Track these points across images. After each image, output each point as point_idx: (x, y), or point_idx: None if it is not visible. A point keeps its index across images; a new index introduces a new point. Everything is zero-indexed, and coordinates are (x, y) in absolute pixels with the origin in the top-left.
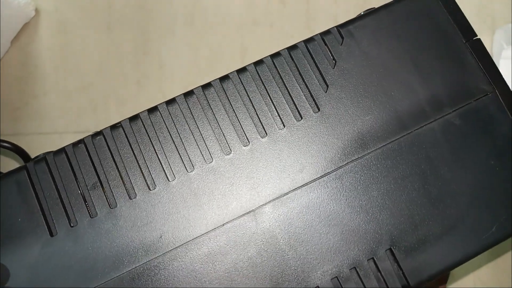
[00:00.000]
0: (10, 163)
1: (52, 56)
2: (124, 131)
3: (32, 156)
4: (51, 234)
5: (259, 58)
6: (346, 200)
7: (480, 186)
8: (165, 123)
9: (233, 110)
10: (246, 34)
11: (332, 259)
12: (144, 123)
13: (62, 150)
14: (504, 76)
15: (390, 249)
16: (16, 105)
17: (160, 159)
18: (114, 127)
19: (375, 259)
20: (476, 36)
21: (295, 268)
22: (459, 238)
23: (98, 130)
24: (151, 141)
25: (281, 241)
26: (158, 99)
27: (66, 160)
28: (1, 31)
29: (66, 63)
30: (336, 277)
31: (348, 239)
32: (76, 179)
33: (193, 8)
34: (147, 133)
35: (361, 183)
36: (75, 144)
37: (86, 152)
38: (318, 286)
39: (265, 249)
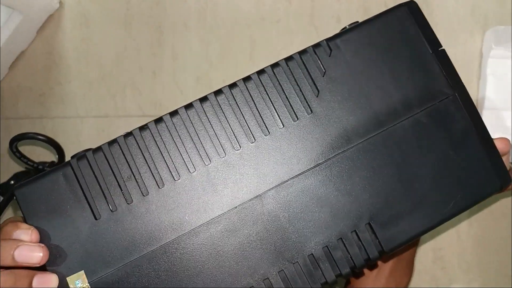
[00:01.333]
0: (47, 154)
1: (75, 47)
2: (151, 132)
3: (67, 151)
4: (96, 218)
5: (266, 52)
6: (334, 185)
7: (441, 171)
8: (184, 125)
9: (241, 112)
10: (254, 30)
11: (323, 232)
12: (167, 124)
13: (100, 148)
14: (491, 74)
15: (369, 223)
16: (42, 91)
17: (182, 155)
18: (142, 128)
19: (357, 231)
20: (441, 47)
21: (294, 240)
22: (424, 213)
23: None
24: (173, 139)
25: (282, 219)
26: (172, 89)
27: (103, 157)
28: (28, 22)
29: (87, 54)
30: (327, 246)
31: (336, 216)
32: (113, 172)
33: (205, 5)
34: (170, 133)
35: (346, 172)
36: (110, 143)
37: (120, 150)
38: (312, 254)
39: (270, 225)
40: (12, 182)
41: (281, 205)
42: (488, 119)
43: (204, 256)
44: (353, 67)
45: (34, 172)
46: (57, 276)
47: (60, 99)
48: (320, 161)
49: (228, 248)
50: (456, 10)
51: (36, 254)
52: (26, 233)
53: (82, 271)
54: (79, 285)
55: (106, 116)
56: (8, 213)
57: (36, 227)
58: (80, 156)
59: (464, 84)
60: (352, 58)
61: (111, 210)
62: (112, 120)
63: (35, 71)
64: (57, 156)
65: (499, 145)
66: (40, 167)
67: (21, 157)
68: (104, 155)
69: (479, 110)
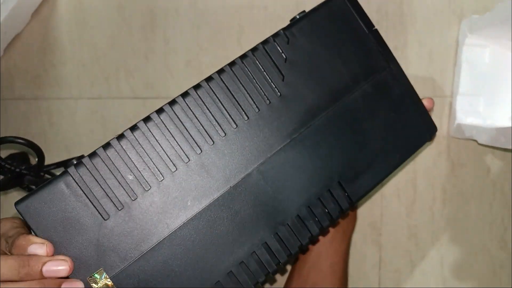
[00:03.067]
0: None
1: (69, 29)
2: (142, 131)
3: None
4: (104, 218)
5: (254, 37)
6: (307, 154)
7: (387, 131)
8: (172, 120)
9: (221, 102)
10: (243, 15)
11: (305, 195)
12: (155, 122)
13: (95, 153)
14: (465, 61)
15: (339, 181)
16: (37, 72)
17: (175, 148)
18: (133, 128)
19: (330, 190)
20: (374, 27)
21: (282, 206)
22: (378, 166)
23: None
24: (164, 135)
25: (270, 191)
26: (163, 72)
27: (101, 161)
28: (23, 5)
29: (81, 37)
30: (309, 206)
31: (313, 180)
32: (112, 173)
33: None
34: (160, 130)
35: (315, 142)
36: (105, 147)
37: (116, 152)
38: (298, 214)
39: (260, 197)
40: (8, 163)
41: (267, 179)
42: (461, 103)
43: (211, 234)
44: (308, 51)
45: (14, 176)
46: (81, 281)
47: (54, 81)
48: (294, 136)
49: (229, 224)
50: (433, 2)
51: (63, 268)
52: (41, 248)
53: (101, 268)
54: (101, 282)
55: (100, 98)
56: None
57: (48, 238)
58: (78, 163)
59: (439, 71)
60: (307, 44)
61: (117, 209)
62: (106, 101)
63: (30, 53)
64: (36, 159)
65: (426, 104)
66: (24, 171)
67: (0, 161)
68: (101, 159)
69: (454, 96)
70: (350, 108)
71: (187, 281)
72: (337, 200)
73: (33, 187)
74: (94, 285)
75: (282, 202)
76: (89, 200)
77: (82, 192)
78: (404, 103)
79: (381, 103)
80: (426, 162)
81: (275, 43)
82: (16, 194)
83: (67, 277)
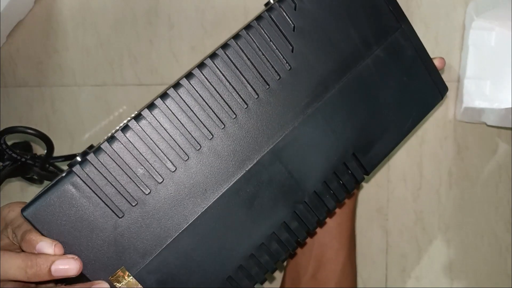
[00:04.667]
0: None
1: (72, 15)
2: (147, 120)
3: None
4: (119, 216)
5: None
6: (321, 129)
7: (399, 96)
8: (178, 105)
9: (229, 82)
10: (248, 0)
11: (320, 170)
12: (161, 108)
13: (100, 148)
14: (472, 44)
15: (353, 153)
16: (40, 59)
17: (185, 135)
18: (137, 117)
19: (345, 162)
20: None
21: (299, 184)
22: (390, 133)
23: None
24: (172, 122)
25: (284, 170)
26: (168, 57)
27: (107, 156)
28: None
29: (85, 22)
30: (325, 181)
31: (328, 154)
32: (121, 168)
33: None
34: (167, 117)
35: (328, 115)
36: (109, 141)
37: (122, 145)
38: (315, 191)
39: (277, 178)
40: (15, 152)
41: (282, 159)
42: (468, 87)
43: (230, 220)
44: (317, 18)
45: (19, 165)
46: (105, 282)
47: (58, 67)
48: (307, 111)
49: (247, 208)
50: None
51: (72, 267)
52: (50, 247)
53: (123, 267)
54: (124, 281)
55: (104, 84)
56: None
57: (62, 243)
58: (83, 160)
59: (445, 54)
60: (315, 9)
61: (131, 205)
62: (109, 88)
63: (33, 39)
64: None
65: (437, 64)
66: (30, 161)
67: (7, 149)
68: (107, 154)
69: (460, 79)
70: (362, 76)
71: (209, 268)
72: (352, 172)
73: (36, 177)
74: (117, 284)
75: (298, 181)
76: (100, 199)
77: (91, 191)
78: (416, 65)
79: (393, 67)
80: (433, 146)
81: (282, 10)
82: (15, 185)
83: (78, 279)
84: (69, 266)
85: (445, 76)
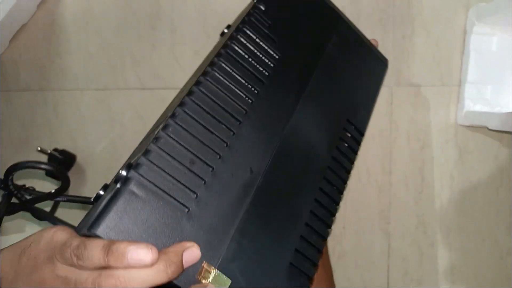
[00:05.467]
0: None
1: (75, 19)
2: (182, 117)
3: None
4: (188, 210)
5: None
6: (318, 105)
7: (359, 69)
8: (207, 96)
9: (233, 83)
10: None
11: (329, 139)
12: (190, 104)
13: (148, 150)
14: (473, 49)
15: (347, 119)
16: (43, 63)
17: (220, 124)
18: (173, 116)
19: (345, 128)
20: None
21: (319, 154)
22: (365, 99)
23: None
24: (203, 116)
25: (303, 146)
26: (170, 62)
27: (158, 156)
28: None
29: (87, 27)
30: (336, 146)
31: (330, 124)
32: (174, 165)
33: None
34: (201, 107)
35: (318, 93)
36: (155, 141)
37: (168, 143)
38: (331, 156)
39: (297, 153)
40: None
41: (298, 137)
42: (469, 91)
43: (278, 191)
44: (283, 15)
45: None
46: (198, 248)
47: (60, 71)
48: (302, 94)
49: (290, 181)
50: None
51: (196, 253)
52: (147, 254)
53: (204, 261)
54: (210, 276)
55: (106, 88)
56: None
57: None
58: (136, 165)
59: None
60: (278, 10)
61: (195, 198)
62: (112, 92)
63: (35, 44)
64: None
65: (373, 43)
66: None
67: (15, 191)
68: (157, 153)
69: (462, 84)
70: (330, 59)
71: (279, 237)
72: (351, 134)
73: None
74: (204, 280)
75: (318, 151)
76: (168, 194)
77: (157, 188)
78: (362, 45)
79: (347, 49)
80: (434, 150)
81: (258, 13)
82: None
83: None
84: (194, 253)
85: (446, 80)
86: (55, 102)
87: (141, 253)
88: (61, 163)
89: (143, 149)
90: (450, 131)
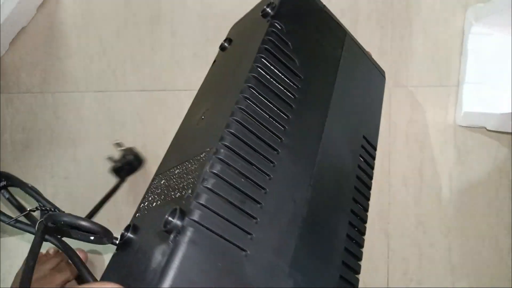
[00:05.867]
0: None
1: (75, 22)
2: (230, 148)
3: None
4: (246, 252)
5: None
6: (341, 119)
7: (365, 83)
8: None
9: (266, 110)
10: (250, 6)
11: (355, 146)
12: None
13: (199, 193)
14: (472, 49)
15: (363, 136)
16: (43, 66)
17: (270, 132)
18: (217, 152)
19: (363, 145)
20: (323, 4)
21: (344, 176)
22: (372, 113)
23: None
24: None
25: (332, 157)
26: (170, 64)
27: (209, 198)
28: None
29: (87, 29)
30: (358, 164)
31: (351, 140)
32: (226, 206)
33: None
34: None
35: (339, 108)
36: (203, 182)
37: (219, 179)
38: (358, 164)
39: (330, 171)
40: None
41: (330, 160)
42: (468, 92)
43: (321, 219)
44: (298, 34)
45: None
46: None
47: (60, 74)
48: (328, 109)
49: (326, 205)
50: None
51: None
52: None
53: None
54: None
55: (106, 91)
56: None
57: None
58: (189, 210)
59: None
60: (293, 28)
61: (251, 237)
62: (112, 94)
63: (36, 46)
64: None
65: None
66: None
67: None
68: (208, 195)
69: (460, 84)
70: (344, 75)
71: (326, 266)
72: (368, 151)
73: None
74: None
75: (345, 173)
76: (225, 239)
77: (215, 235)
78: (363, 58)
79: (354, 62)
80: (433, 150)
81: (274, 32)
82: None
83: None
84: None
85: (444, 81)
86: (55, 104)
87: None
88: (129, 164)
89: (188, 187)
90: (449, 131)
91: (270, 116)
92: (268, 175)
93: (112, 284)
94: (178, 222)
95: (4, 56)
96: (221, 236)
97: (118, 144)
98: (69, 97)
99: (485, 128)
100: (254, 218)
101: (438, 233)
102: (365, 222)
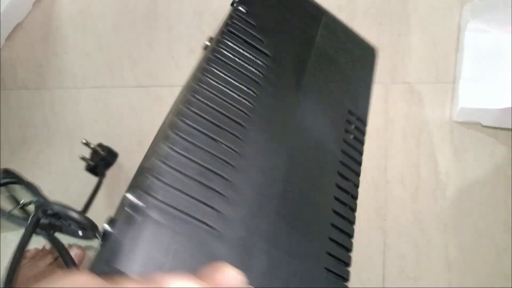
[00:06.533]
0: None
1: (72, 18)
2: (190, 125)
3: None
4: (214, 229)
5: None
6: (318, 98)
7: (352, 57)
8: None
9: (228, 87)
10: None
11: (339, 125)
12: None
13: (160, 170)
14: (468, 46)
15: (349, 110)
16: (40, 62)
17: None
18: (176, 128)
19: (348, 120)
20: None
21: (325, 151)
22: (361, 86)
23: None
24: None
25: (309, 136)
26: (166, 60)
27: (170, 175)
28: None
29: (84, 25)
30: (343, 139)
31: (334, 117)
32: (190, 182)
33: None
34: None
35: (316, 86)
36: (163, 160)
37: (180, 156)
38: (342, 149)
39: (307, 146)
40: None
41: (306, 135)
42: (464, 88)
43: (299, 195)
44: (266, 16)
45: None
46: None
47: (57, 70)
48: (301, 88)
49: (305, 180)
50: None
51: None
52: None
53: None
54: None
55: (103, 87)
56: None
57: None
58: (149, 188)
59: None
60: (261, 10)
61: (218, 214)
62: (109, 90)
63: (32, 42)
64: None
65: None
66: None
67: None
68: (169, 172)
69: (457, 80)
70: (320, 51)
71: (309, 242)
72: (356, 125)
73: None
74: None
75: (326, 147)
76: (190, 216)
77: (178, 211)
78: (350, 35)
79: (336, 38)
80: (429, 147)
81: (237, 15)
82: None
83: None
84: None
85: (441, 77)
86: (52, 100)
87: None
88: (103, 160)
89: (150, 167)
90: (446, 128)
91: (233, 93)
92: (235, 151)
93: (81, 274)
94: (140, 203)
95: (0, 52)
96: (187, 214)
97: (86, 144)
98: (65, 93)
99: (480, 123)
100: (222, 195)
101: (435, 230)
102: (356, 198)
